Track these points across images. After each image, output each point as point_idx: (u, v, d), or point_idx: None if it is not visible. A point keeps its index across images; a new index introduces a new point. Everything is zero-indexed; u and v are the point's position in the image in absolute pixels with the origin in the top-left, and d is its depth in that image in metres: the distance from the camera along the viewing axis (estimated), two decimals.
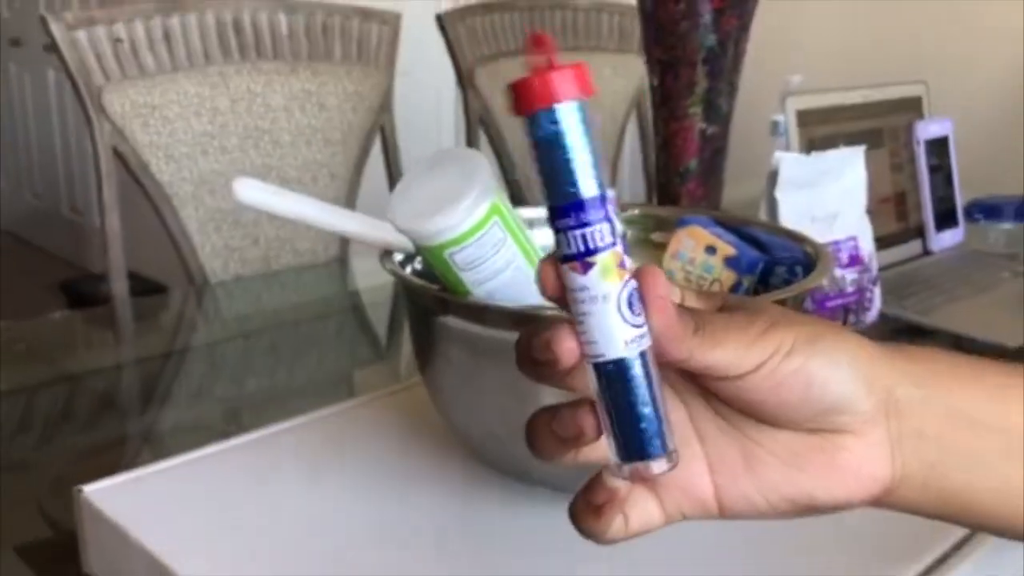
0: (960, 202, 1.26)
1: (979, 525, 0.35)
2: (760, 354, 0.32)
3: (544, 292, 0.32)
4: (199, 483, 0.59)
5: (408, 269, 0.59)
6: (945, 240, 1.23)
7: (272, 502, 0.56)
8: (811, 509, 0.34)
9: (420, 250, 0.49)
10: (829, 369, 0.32)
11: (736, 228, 0.65)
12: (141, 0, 1.11)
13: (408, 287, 0.55)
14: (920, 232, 1.22)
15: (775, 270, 0.63)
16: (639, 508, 0.34)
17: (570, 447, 0.34)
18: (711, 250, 0.62)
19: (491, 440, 0.55)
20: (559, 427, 0.33)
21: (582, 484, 0.35)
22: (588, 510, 0.34)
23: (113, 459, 0.80)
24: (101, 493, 0.57)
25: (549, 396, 0.50)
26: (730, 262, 0.62)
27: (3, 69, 3.65)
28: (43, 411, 0.90)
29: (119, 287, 1.09)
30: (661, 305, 0.31)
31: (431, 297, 0.53)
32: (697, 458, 0.34)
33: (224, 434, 0.65)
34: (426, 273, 0.55)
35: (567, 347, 0.32)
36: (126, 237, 1.13)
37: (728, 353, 0.32)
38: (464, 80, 1.45)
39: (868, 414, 0.33)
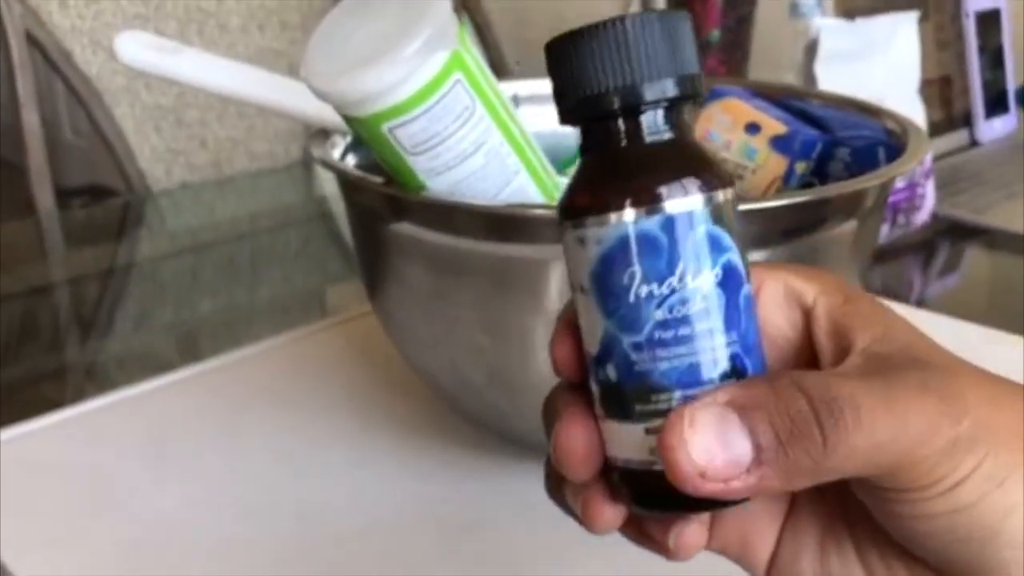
0: (1013, 86, 1.14)
1: None
2: (935, 467, 0.19)
3: None
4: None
5: (352, 157, 0.45)
6: (995, 129, 1.12)
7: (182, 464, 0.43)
8: None
9: (350, 124, 0.34)
10: (1009, 503, 0.19)
11: (783, 101, 0.50)
12: None
13: (345, 183, 0.41)
14: (967, 120, 1.10)
15: (836, 153, 0.48)
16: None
17: None
18: (753, 128, 0.47)
19: (463, 387, 0.42)
20: None
21: None
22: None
23: (47, 394, 0.69)
24: None
25: (542, 330, 0.37)
26: (778, 143, 0.47)
27: None
28: None
29: (43, 198, 0.95)
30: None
31: (375, 195, 0.39)
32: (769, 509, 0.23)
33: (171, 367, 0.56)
34: (376, 165, 0.41)
35: None
36: (89, 145, 1.00)
37: (885, 453, 0.19)
38: None
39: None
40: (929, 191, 0.83)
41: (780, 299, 0.22)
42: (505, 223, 0.36)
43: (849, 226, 0.39)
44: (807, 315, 0.21)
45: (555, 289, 0.37)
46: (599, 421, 0.21)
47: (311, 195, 1.19)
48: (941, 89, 1.08)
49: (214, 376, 0.54)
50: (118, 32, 0.98)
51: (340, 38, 0.34)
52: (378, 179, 0.39)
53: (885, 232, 0.80)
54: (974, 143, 1.09)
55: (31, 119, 0.94)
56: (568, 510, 0.22)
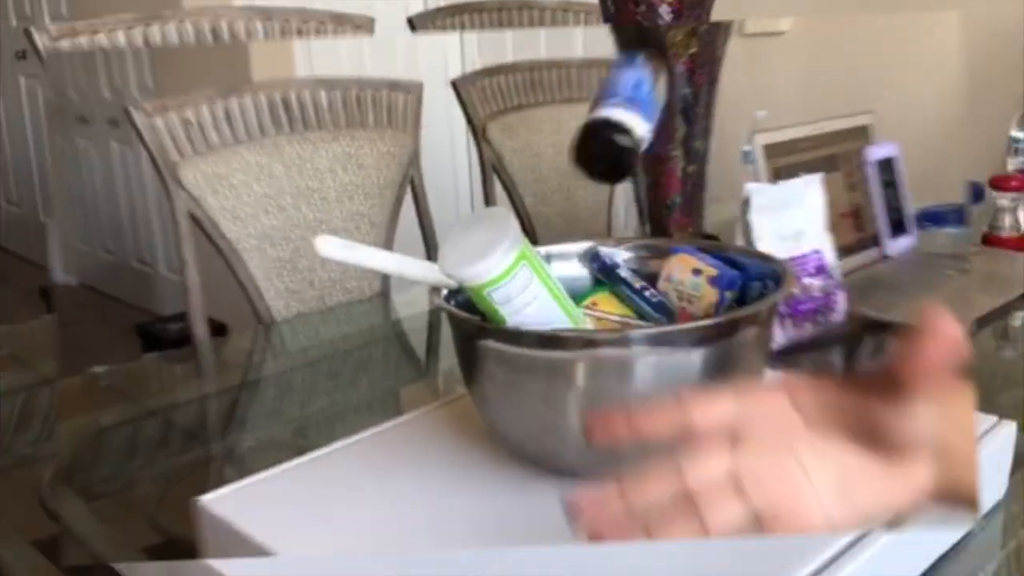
0: (910, 212, 1.30)
1: None
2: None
3: None
4: (294, 489, 0.63)
5: (452, 302, 0.65)
6: (899, 246, 1.27)
7: (358, 503, 0.60)
8: None
9: (465, 289, 0.55)
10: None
11: (716, 253, 0.70)
12: (206, 86, 1.18)
13: (454, 318, 0.61)
14: (877, 240, 1.26)
15: (751, 285, 0.68)
16: None
17: None
18: (697, 272, 0.68)
19: (528, 439, 0.61)
20: None
21: None
22: None
23: (205, 476, 0.85)
24: (214, 502, 0.62)
25: (575, 403, 0.56)
26: (713, 281, 0.67)
27: (73, 144, 3.74)
28: (142, 440, 0.95)
29: (200, 331, 1.15)
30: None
31: (475, 326, 0.59)
32: None
33: (297, 448, 0.69)
34: (465, 303, 0.61)
35: None
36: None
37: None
38: (478, 135, 1.51)
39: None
40: (841, 298, 1.02)
41: None
42: (551, 340, 0.56)
43: (752, 332, 0.59)
44: None
45: (579, 376, 0.57)
46: None
47: (388, 319, 1.36)
48: (855, 218, 1.27)
49: (333, 458, 0.67)
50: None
51: (458, 242, 0.55)
52: (475, 316, 0.59)
53: (808, 329, 1.00)
54: (884, 257, 1.24)
55: (192, 276, 1.15)
56: None
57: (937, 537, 0.56)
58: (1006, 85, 1.85)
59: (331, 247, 0.59)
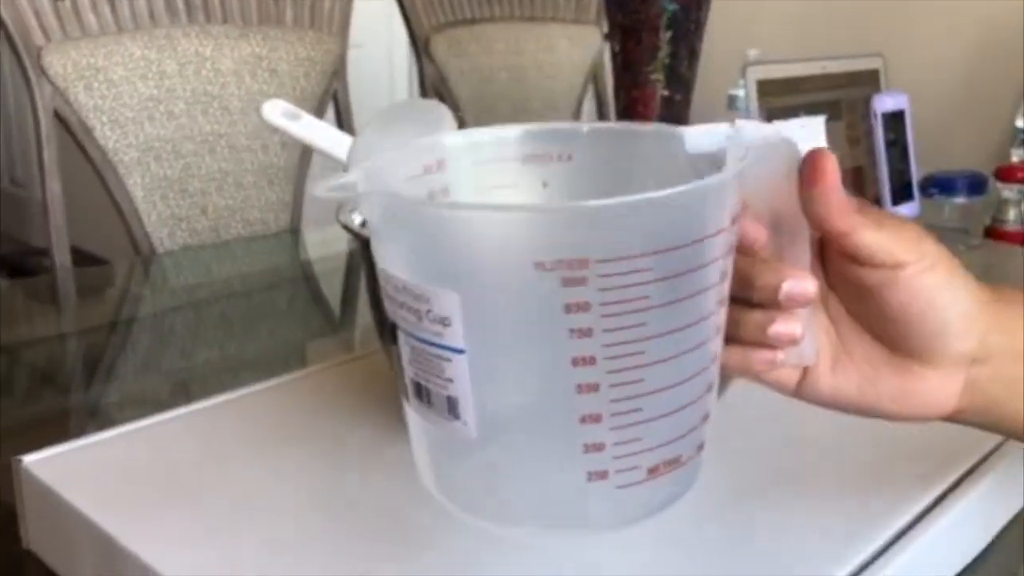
0: (916, 177, 1.26)
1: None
2: (910, 254, 0.36)
3: None
4: (143, 453, 0.57)
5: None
6: (902, 214, 1.24)
7: (218, 472, 0.55)
8: (876, 416, 0.39)
9: None
10: (952, 300, 0.36)
11: None
12: None
13: (363, 243, 0.53)
14: (878, 205, 1.23)
15: None
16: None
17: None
18: None
19: None
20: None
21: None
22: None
23: (56, 432, 0.78)
24: (42, 464, 0.55)
25: None
26: None
27: None
28: None
29: (61, 256, 1.06)
30: (832, 179, 0.35)
31: None
32: None
33: (171, 407, 0.64)
34: None
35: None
36: (67, 209, 1.09)
37: (884, 239, 0.36)
38: (419, 48, 1.43)
39: (956, 355, 0.37)
40: None
41: None
42: None
43: None
44: None
45: None
46: None
47: (297, 259, 1.30)
48: (854, 179, 1.23)
49: (201, 416, 0.62)
50: (133, 111, 1.10)
51: (376, 138, 0.47)
52: None
53: None
54: None
55: (54, 187, 1.05)
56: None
57: (957, 548, 0.52)
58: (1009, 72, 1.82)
59: (275, 112, 0.52)
